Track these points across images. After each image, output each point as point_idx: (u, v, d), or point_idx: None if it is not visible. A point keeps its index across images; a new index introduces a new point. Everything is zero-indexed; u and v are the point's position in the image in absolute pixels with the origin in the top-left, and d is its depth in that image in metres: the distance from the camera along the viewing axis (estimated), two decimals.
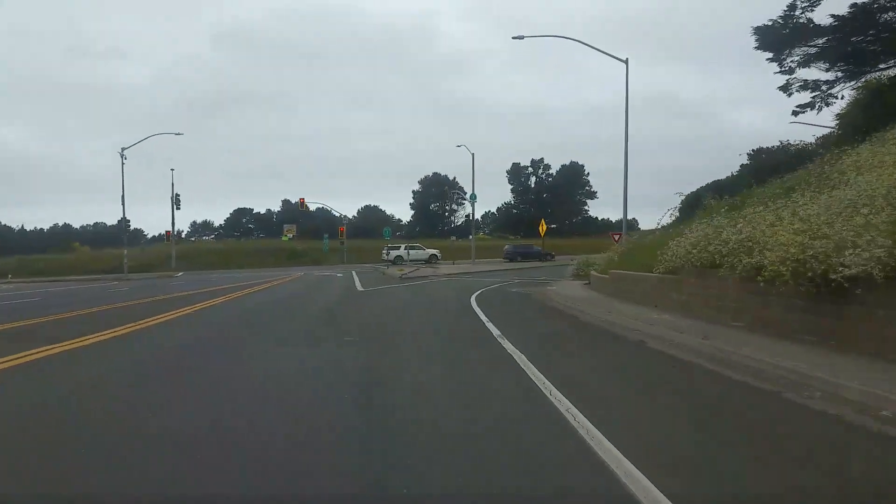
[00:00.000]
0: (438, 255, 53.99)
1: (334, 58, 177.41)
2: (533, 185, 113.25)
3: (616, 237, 29.16)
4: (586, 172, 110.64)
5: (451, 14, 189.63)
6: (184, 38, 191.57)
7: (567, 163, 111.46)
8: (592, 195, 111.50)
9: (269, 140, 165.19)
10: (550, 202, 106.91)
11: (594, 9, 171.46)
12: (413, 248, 54.34)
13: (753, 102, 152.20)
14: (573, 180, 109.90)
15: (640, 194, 43.80)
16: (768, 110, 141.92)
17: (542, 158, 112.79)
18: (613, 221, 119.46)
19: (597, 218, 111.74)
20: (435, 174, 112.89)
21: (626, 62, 24.62)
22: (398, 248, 54.27)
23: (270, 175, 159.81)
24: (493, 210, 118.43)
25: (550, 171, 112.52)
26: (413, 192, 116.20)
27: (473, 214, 52.26)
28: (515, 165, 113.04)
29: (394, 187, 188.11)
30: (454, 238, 61.69)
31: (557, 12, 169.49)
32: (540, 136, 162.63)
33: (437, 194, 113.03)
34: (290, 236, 77.69)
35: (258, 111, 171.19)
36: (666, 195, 67.92)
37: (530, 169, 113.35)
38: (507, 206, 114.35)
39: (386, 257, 51.84)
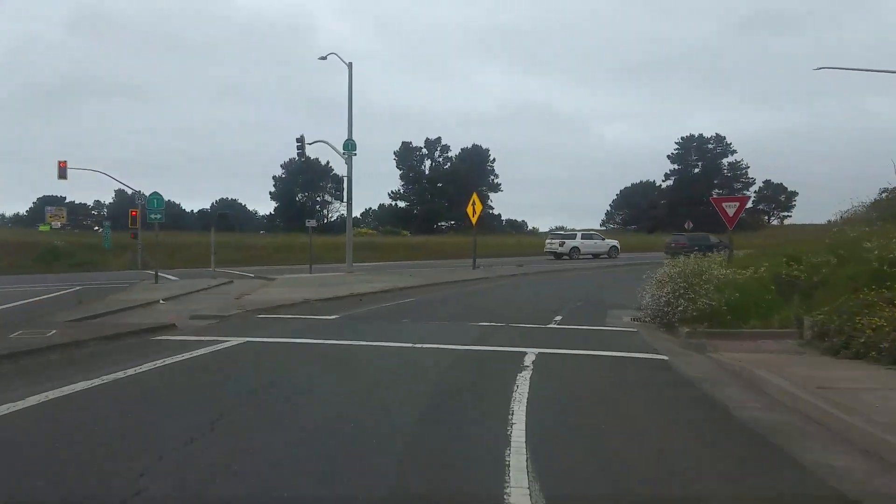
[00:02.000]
0: (618, 245, 44.17)
1: (201, 49, 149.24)
2: (427, 172, 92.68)
3: None
4: (491, 158, 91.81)
5: (328, 11, 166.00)
6: (36, 19, 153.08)
7: (469, 145, 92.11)
8: (496, 187, 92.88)
9: (130, 132, 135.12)
10: (450, 192, 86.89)
11: (474, 16, 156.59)
12: (589, 235, 43.91)
13: (625, 117, 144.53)
14: (477, 167, 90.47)
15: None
16: (637, 124, 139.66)
17: (439, 138, 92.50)
18: (520, 221, 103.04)
19: (499, 215, 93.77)
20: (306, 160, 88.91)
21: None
22: (573, 236, 43.31)
23: (121, 166, 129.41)
24: (376, 207, 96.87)
25: (450, 155, 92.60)
26: (275, 178, 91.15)
27: (350, 180, 29.97)
28: (406, 146, 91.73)
29: (260, 181, 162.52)
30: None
31: (434, 17, 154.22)
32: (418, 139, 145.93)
33: (306, 183, 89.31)
34: (55, 225, 51.21)
35: (111, 101, 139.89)
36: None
37: (424, 150, 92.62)
38: (396, 195, 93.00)
39: (559, 248, 40.91)
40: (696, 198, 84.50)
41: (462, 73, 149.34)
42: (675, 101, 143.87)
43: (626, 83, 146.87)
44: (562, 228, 52.76)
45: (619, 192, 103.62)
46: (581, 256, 40.85)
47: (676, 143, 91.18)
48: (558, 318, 13.28)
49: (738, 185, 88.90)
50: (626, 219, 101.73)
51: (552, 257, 40.95)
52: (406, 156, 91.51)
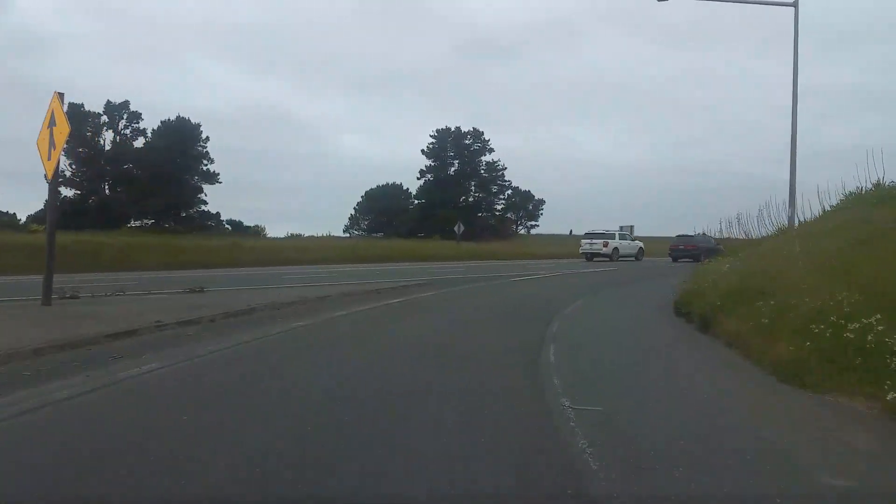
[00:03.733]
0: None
1: None
2: (109, 149, 66.11)
3: None
4: (203, 136, 69.12)
5: None
6: None
7: (172, 117, 68.08)
8: (211, 177, 70.39)
9: None
10: (144, 180, 62.25)
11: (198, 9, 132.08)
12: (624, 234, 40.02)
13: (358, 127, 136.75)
14: (182, 149, 66.90)
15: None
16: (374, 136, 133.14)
17: (126, 102, 66.59)
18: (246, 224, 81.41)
19: (218, 213, 71.70)
20: None
21: None
22: (612, 234, 38.67)
23: None
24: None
25: (142, 127, 67.41)
26: None
27: None
28: (76, 109, 63.80)
29: None
30: None
31: (165, 8, 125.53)
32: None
33: None
34: None
35: None
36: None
37: (104, 118, 65.89)
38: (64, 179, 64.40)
39: (603, 250, 36.93)
40: (451, 200, 73.86)
41: (189, 68, 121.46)
42: (409, 116, 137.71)
43: (362, 95, 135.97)
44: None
45: (364, 195, 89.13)
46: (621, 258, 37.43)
47: (432, 135, 79.17)
48: None
49: (495, 189, 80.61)
50: (372, 224, 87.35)
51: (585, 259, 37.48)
52: (77, 124, 63.92)
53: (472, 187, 78.61)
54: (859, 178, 13.25)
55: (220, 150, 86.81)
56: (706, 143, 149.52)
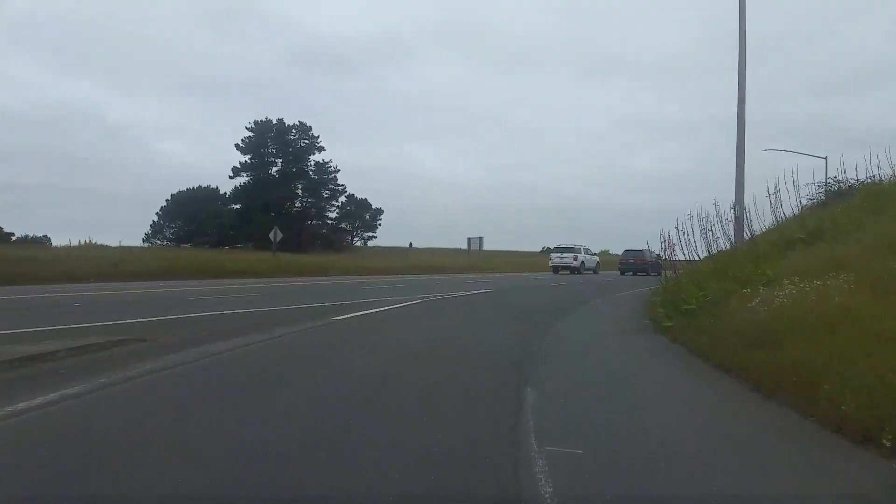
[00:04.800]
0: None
1: None
2: None
3: None
4: None
5: None
6: None
7: None
8: None
9: None
10: None
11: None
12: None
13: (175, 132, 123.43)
14: None
15: None
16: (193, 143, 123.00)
17: None
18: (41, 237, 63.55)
19: None
20: None
21: None
22: (579, 249, 41.67)
23: None
24: None
25: None
26: None
27: None
28: None
29: None
30: None
31: None
32: None
33: None
34: None
35: None
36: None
37: None
38: None
39: (573, 263, 40.23)
40: (275, 205, 62.97)
41: None
42: (234, 122, 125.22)
43: (182, 98, 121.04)
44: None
45: (169, 199, 74.85)
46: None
47: (249, 128, 67.24)
48: None
49: (327, 194, 70.79)
50: (180, 232, 73.41)
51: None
52: None
53: (300, 191, 68.02)
54: None
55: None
56: (534, 165, 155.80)
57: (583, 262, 41.07)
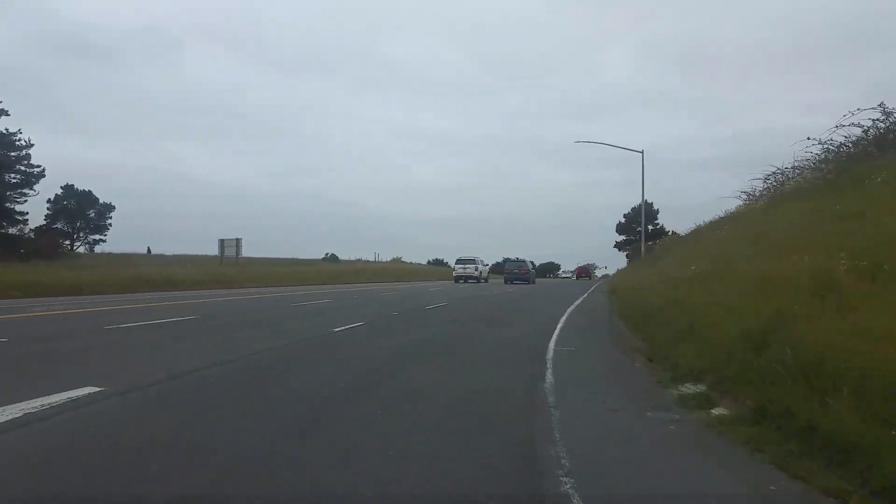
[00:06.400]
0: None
1: None
2: None
3: None
4: None
5: None
6: None
7: None
8: None
9: None
10: None
11: None
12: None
13: None
14: None
15: None
16: None
17: None
18: None
19: None
20: None
21: None
22: (479, 260, 47.66)
23: None
24: None
25: None
26: None
27: None
28: None
29: None
30: None
31: None
32: None
33: None
34: None
35: None
36: None
37: None
38: None
39: (475, 273, 45.26)
40: None
41: None
42: None
43: None
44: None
45: None
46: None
47: None
48: None
49: (17, 178, 50.57)
50: None
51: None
52: None
53: None
54: None
55: None
56: (318, 172, 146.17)
57: (481, 272, 45.89)
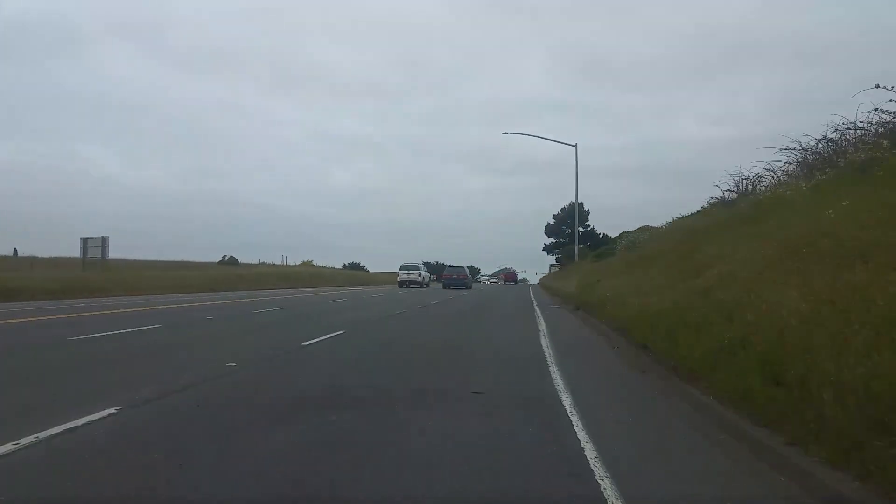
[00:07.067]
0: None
1: None
2: None
3: None
4: None
5: None
6: None
7: None
8: None
9: None
10: None
11: None
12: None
13: None
14: None
15: None
16: None
17: None
18: None
19: None
20: None
21: None
22: (422, 266, 52.30)
23: None
24: None
25: None
26: None
27: None
28: None
29: None
30: None
31: None
32: None
33: None
34: None
35: None
36: None
37: None
38: None
39: (418, 278, 48.35)
40: None
41: None
42: None
43: None
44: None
45: None
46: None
47: None
48: None
49: None
50: None
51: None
52: None
53: None
54: None
55: None
56: (231, 174, 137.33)
57: (423, 277, 49.17)
